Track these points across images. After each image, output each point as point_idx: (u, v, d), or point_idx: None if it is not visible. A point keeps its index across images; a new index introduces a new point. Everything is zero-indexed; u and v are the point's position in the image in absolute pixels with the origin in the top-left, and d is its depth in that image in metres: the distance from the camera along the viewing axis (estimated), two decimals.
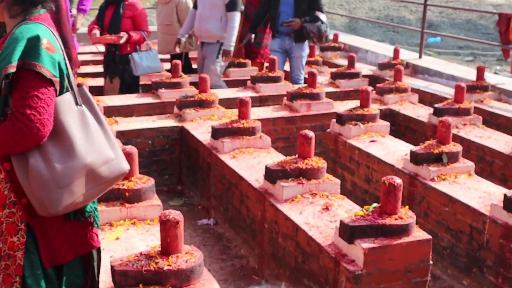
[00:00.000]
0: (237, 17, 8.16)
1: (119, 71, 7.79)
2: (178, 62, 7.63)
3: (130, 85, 7.85)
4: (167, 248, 3.27)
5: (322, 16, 8.35)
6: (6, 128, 2.66)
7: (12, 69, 2.65)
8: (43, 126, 2.67)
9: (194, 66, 9.30)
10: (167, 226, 3.23)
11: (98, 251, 3.16)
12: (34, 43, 2.71)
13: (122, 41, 7.50)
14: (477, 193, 4.89)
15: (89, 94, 2.97)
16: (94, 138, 2.84)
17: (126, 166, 2.98)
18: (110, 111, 6.83)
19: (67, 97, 2.83)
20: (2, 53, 2.72)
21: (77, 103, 2.85)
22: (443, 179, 5.12)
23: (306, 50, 8.70)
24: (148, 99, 7.36)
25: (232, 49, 8.21)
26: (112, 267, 3.25)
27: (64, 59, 2.87)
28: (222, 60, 8.28)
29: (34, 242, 2.86)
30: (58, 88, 2.79)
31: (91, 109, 2.91)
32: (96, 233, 3.08)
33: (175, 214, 3.25)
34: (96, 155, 2.82)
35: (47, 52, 2.73)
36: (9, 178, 2.78)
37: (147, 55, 7.76)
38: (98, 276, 3.21)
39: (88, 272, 3.15)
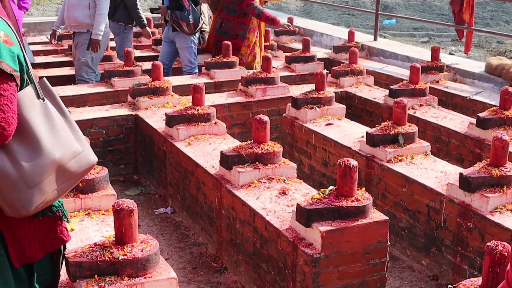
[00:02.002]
0: (105, 3, 7.69)
1: None
2: (131, 49, 7.52)
3: None
4: (122, 238, 3.21)
5: (189, 3, 8.10)
6: None
7: None
8: (8, 124, 2.52)
9: None
10: (121, 215, 3.17)
11: (64, 244, 3.07)
12: None
13: None
14: (433, 173, 4.90)
15: (50, 86, 2.83)
16: (60, 132, 2.72)
17: (94, 158, 2.87)
18: (63, 102, 6.67)
19: (29, 91, 2.68)
20: None
21: (39, 97, 2.72)
22: (400, 160, 5.13)
23: (191, 40, 8.40)
24: (101, 88, 7.24)
25: (100, 38, 7.64)
26: (66, 259, 3.17)
27: (23, 51, 2.72)
28: (92, 50, 7.72)
29: (2, 243, 2.74)
30: (19, 82, 2.64)
31: (53, 102, 2.78)
32: (65, 227, 2.97)
33: (129, 203, 3.19)
34: (63, 150, 2.71)
35: (5, 46, 2.58)
36: None
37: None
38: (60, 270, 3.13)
39: (56, 267, 3.06)
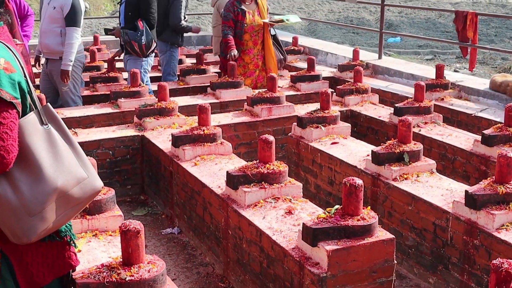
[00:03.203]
0: (75, 32, 7.42)
1: None
2: (137, 71, 7.56)
3: None
4: (129, 259, 3.23)
5: (144, 24, 7.82)
6: None
7: None
8: (8, 153, 2.52)
9: None
10: (127, 236, 3.18)
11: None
12: None
13: None
14: (439, 190, 4.91)
15: (54, 112, 2.80)
16: (63, 158, 2.70)
17: (99, 184, 2.84)
18: (69, 123, 6.74)
19: (31, 117, 2.68)
20: None
21: (42, 123, 2.70)
22: (405, 178, 5.13)
23: (140, 65, 8.03)
24: (107, 109, 7.28)
25: (69, 68, 7.42)
26: (73, 280, 3.18)
27: (25, 76, 2.71)
28: (62, 81, 7.48)
29: (9, 268, 2.75)
30: (20, 109, 2.63)
31: (57, 128, 2.76)
32: (74, 252, 2.96)
33: (136, 224, 3.20)
34: (67, 176, 2.68)
35: (5, 73, 2.57)
36: None
37: None
38: None
39: None
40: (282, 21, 8.58)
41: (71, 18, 7.37)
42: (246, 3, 8.54)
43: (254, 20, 8.50)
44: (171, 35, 8.88)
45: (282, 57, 8.95)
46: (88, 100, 8.02)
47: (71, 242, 2.92)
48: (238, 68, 8.51)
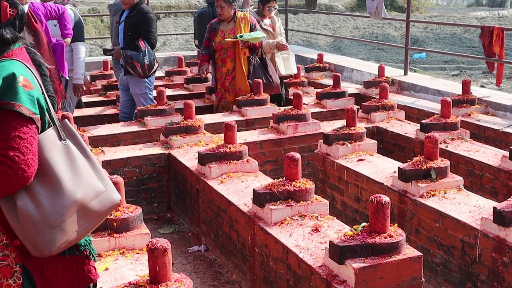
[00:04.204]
0: (82, 47, 7.75)
1: None
2: (163, 89, 7.61)
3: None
4: (156, 277, 3.24)
5: (145, 44, 7.68)
6: None
7: None
8: (28, 166, 2.58)
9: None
10: (155, 254, 3.20)
11: (94, 283, 3.10)
12: (10, 81, 2.62)
13: None
14: (467, 207, 4.87)
15: (72, 127, 2.88)
16: (82, 172, 2.76)
17: (117, 197, 2.89)
18: (97, 141, 6.80)
19: (50, 133, 2.75)
20: None
21: (60, 138, 2.77)
22: (433, 195, 5.10)
23: (145, 86, 7.95)
24: (134, 128, 7.34)
25: (82, 82, 7.66)
26: None
27: (43, 93, 2.79)
28: (75, 95, 7.73)
29: (31, 283, 2.77)
30: (39, 125, 2.70)
31: (75, 143, 2.83)
32: (93, 266, 2.98)
33: (163, 242, 3.22)
34: (85, 190, 2.74)
35: (24, 90, 2.64)
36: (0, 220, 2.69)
37: None
38: None
39: None
40: (236, 38, 8.30)
41: (75, 34, 7.58)
42: (224, 22, 8.50)
43: (223, 39, 8.41)
44: None
45: (265, 81, 8.61)
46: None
47: (91, 256, 2.95)
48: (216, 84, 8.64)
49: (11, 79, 2.64)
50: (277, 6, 9.32)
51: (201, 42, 8.99)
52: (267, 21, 9.09)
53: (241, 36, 8.25)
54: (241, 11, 8.87)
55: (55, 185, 2.67)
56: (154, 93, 8.02)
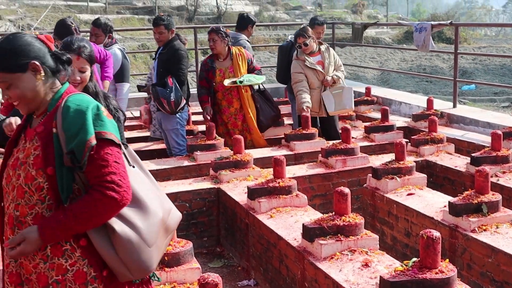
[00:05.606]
0: (125, 87, 7.94)
1: None
2: (212, 124, 7.70)
3: None
4: None
5: (173, 81, 7.70)
6: (95, 201, 2.65)
7: (94, 141, 2.67)
8: (129, 189, 2.72)
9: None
10: None
11: None
12: (97, 112, 2.74)
13: None
14: None
15: (135, 153, 3.04)
16: (153, 193, 2.93)
17: (179, 212, 3.11)
18: None
19: (124, 158, 2.88)
20: (67, 127, 2.70)
21: (129, 163, 2.91)
22: (484, 230, 5.04)
23: (176, 122, 7.99)
24: (184, 162, 7.43)
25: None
26: None
27: None
28: None
29: None
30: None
31: (140, 167, 3.00)
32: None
33: (214, 277, 3.24)
34: (162, 208, 2.91)
35: (108, 119, 2.78)
36: (86, 253, 2.75)
37: None
38: None
39: None
40: (236, 82, 8.21)
41: (119, 74, 7.89)
42: (219, 60, 8.42)
43: (223, 79, 8.30)
44: None
45: (273, 113, 8.72)
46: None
47: (153, 276, 3.09)
48: (220, 127, 8.42)
49: (97, 109, 2.77)
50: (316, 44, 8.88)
51: (279, 73, 9.13)
52: (314, 58, 8.77)
53: (241, 82, 8.19)
54: (235, 44, 8.84)
55: (142, 206, 2.82)
56: (202, 127, 8.09)
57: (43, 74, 2.80)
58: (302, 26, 8.97)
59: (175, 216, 3.04)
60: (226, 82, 8.20)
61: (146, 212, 2.81)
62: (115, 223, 2.72)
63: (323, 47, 8.86)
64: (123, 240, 2.72)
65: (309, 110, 8.39)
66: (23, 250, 2.68)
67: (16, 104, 2.84)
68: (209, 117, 8.29)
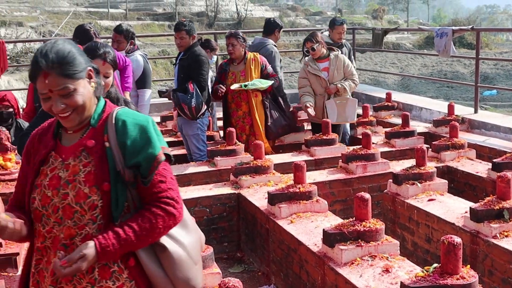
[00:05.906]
0: (146, 94, 7.98)
1: None
2: (232, 130, 7.71)
3: None
4: None
5: (194, 87, 7.69)
6: (156, 217, 2.60)
7: (163, 156, 2.64)
8: (182, 205, 2.71)
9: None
10: None
11: None
12: (154, 126, 2.68)
13: None
14: None
15: None
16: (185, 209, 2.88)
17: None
18: None
19: None
20: (131, 142, 2.61)
21: None
22: (506, 236, 5.01)
23: (197, 127, 7.99)
24: (204, 168, 7.45)
25: None
26: None
27: None
28: None
29: None
30: None
31: None
32: None
33: (235, 282, 3.27)
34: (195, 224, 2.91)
35: (159, 131, 2.72)
36: (133, 274, 2.64)
37: None
38: None
39: None
40: (240, 86, 8.17)
41: (141, 80, 7.96)
42: (234, 63, 8.46)
43: (235, 82, 8.31)
44: None
45: (285, 122, 8.63)
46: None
47: None
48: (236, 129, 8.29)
49: (153, 123, 2.69)
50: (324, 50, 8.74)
51: None
52: (322, 64, 8.69)
53: (245, 86, 8.18)
54: (262, 49, 8.86)
55: (184, 225, 2.78)
56: (221, 133, 8.10)
57: (96, 81, 2.70)
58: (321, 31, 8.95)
59: (203, 236, 2.98)
60: (233, 87, 8.22)
61: (188, 229, 2.78)
62: (165, 241, 2.66)
63: (332, 54, 8.74)
64: (173, 258, 2.66)
65: (311, 106, 8.38)
66: (80, 267, 2.49)
67: (64, 116, 2.62)
68: (221, 91, 8.25)
